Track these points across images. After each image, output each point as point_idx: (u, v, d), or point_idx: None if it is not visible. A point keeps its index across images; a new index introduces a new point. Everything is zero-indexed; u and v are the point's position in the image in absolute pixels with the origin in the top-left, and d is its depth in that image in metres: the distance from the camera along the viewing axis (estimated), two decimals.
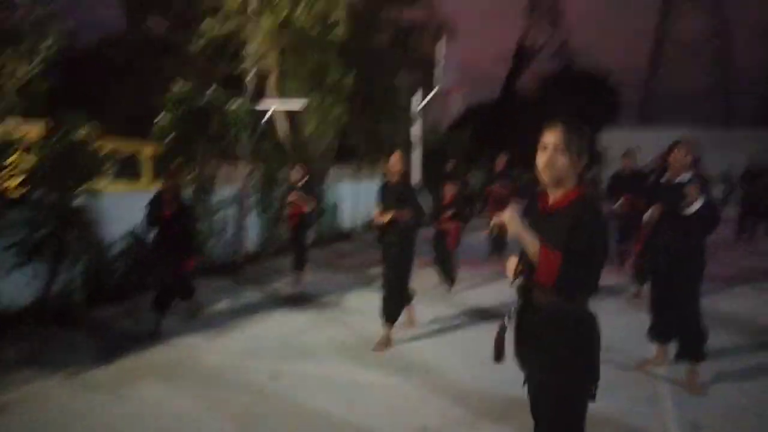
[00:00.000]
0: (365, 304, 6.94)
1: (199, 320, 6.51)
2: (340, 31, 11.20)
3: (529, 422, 2.51)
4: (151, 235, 6.40)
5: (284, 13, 10.81)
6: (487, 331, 5.75)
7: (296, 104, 10.28)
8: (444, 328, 6.26)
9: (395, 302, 5.62)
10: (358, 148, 14.98)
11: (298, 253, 8.37)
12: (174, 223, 6.02)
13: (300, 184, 8.35)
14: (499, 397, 4.34)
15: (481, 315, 6.69)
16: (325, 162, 12.88)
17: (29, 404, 4.26)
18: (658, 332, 5.01)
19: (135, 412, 4.13)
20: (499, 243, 9.81)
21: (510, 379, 2.86)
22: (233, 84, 10.63)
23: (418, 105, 15.59)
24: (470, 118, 20.98)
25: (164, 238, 6.08)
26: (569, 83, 43.58)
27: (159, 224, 6.08)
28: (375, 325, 5.73)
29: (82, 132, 6.36)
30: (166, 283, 6.11)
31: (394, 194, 5.57)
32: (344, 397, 4.41)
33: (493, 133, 26.29)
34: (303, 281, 8.31)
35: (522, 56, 68.08)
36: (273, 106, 10.17)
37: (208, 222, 9.10)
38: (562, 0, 44.87)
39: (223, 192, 9.53)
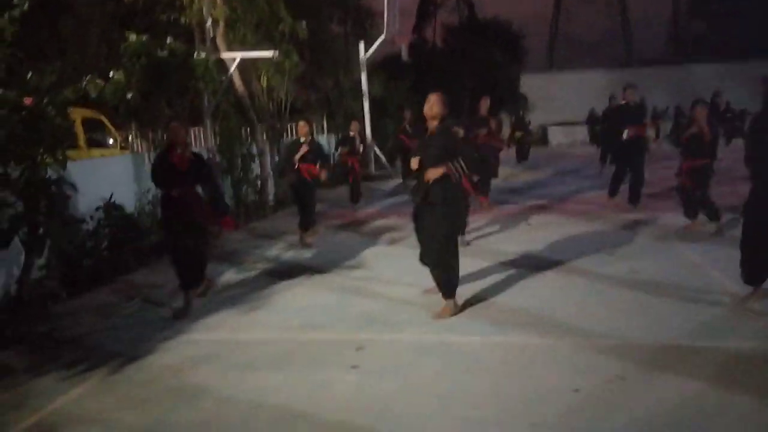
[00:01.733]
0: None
1: (215, 298, 5.74)
2: None
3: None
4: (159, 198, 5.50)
5: None
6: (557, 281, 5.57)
7: (266, 53, 9.28)
8: (510, 276, 5.87)
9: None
10: (310, 102, 14.11)
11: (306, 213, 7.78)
12: (193, 177, 5.16)
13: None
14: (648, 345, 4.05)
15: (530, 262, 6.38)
16: (282, 117, 11.99)
17: None
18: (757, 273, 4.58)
19: None
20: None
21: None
22: (176, 35, 9.49)
23: (364, 55, 14.90)
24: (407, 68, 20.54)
25: (182, 199, 5.17)
26: (474, 33, 43.97)
27: (173, 183, 5.14)
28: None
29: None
30: (193, 253, 5.24)
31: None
32: (462, 362, 3.96)
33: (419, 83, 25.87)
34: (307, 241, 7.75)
35: (425, 7, 67.86)
36: (238, 56, 9.13)
37: None
38: None
39: None
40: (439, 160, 4.61)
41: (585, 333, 4.29)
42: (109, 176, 7.38)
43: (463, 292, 5.10)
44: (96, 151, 10.52)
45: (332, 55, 14.94)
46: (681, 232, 7.26)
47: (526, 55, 46.30)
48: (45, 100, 4.90)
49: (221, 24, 9.80)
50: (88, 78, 6.07)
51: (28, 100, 4.79)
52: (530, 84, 32.88)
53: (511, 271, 5.94)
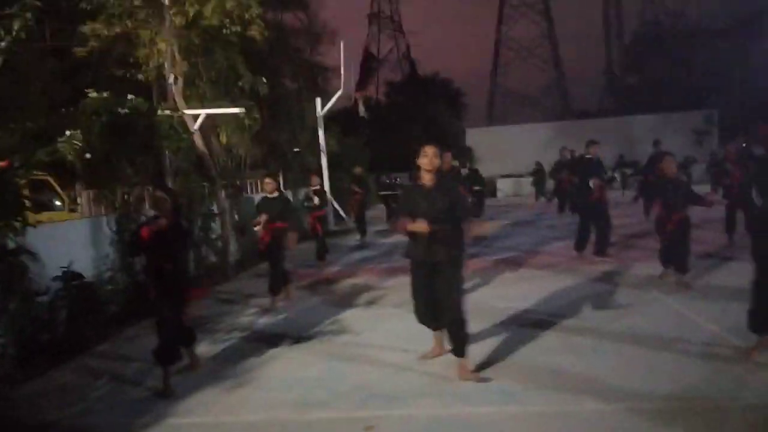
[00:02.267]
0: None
1: (192, 375, 5.25)
2: (255, 31, 10.06)
3: None
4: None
5: (193, 11, 9.47)
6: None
7: (233, 110, 8.98)
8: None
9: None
10: (268, 158, 13.83)
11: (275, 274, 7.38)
12: (175, 245, 4.76)
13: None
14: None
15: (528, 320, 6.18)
16: (241, 173, 11.64)
17: None
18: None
19: None
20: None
21: None
22: (130, 92, 9.12)
23: (321, 111, 14.82)
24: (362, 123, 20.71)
25: (157, 267, 4.75)
26: (417, 90, 45.20)
27: (155, 252, 4.73)
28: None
29: None
30: (171, 327, 4.79)
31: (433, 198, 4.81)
32: None
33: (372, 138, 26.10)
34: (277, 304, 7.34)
35: (369, 64, 69.46)
36: (202, 113, 8.79)
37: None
38: (401, 9, 46.26)
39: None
40: (445, 214, 4.41)
41: (604, 396, 4.08)
42: (64, 242, 6.82)
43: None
44: (43, 215, 9.86)
45: (288, 110, 14.80)
46: (658, 282, 7.27)
47: (465, 110, 48.05)
48: (15, 163, 4.45)
49: (180, 81, 9.49)
50: (65, 137, 5.61)
51: (3, 163, 4.35)
52: (474, 137, 33.76)
53: (509, 332, 5.71)
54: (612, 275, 8.01)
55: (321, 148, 14.69)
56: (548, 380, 4.44)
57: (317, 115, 14.49)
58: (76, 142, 6.60)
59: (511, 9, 50.56)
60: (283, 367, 5.24)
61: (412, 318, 6.37)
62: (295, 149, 14.93)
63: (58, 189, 10.47)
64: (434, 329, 4.97)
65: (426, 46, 61.42)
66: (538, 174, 21.77)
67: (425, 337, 5.54)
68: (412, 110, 39.18)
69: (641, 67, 38.52)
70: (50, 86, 11.37)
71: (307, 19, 17.72)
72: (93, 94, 6.92)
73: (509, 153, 30.40)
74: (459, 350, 4.54)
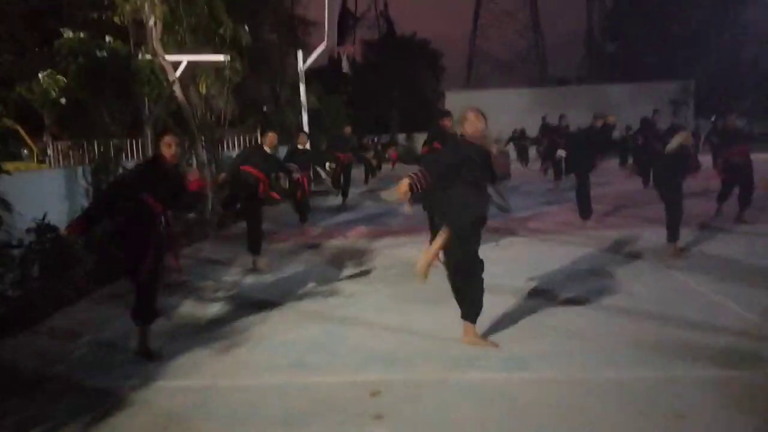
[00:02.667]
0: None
1: (180, 335, 4.98)
2: None
3: None
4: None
5: None
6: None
7: (216, 57, 8.49)
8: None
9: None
10: (246, 114, 13.31)
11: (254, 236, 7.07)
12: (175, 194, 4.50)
13: None
14: None
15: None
16: (220, 128, 11.18)
17: None
18: None
19: None
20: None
21: None
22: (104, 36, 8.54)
23: (302, 65, 14.28)
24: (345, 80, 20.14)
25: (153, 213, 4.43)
26: (394, 50, 44.34)
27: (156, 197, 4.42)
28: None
29: None
30: (152, 283, 4.44)
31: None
32: (500, 403, 3.49)
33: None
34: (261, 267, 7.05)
35: (345, 21, 67.90)
36: (184, 59, 8.29)
37: None
38: None
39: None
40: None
41: (618, 367, 3.95)
42: (37, 193, 6.42)
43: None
44: (10, 165, 9.30)
45: (268, 64, 14.22)
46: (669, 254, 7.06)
47: (443, 73, 47.40)
48: None
49: (159, 25, 8.92)
50: (47, 73, 5.15)
51: None
52: (454, 101, 33.34)
53: (514, 299, 5.46)
54: (619, 243, 7.83)
55: (302, 104, 14.20)
56: (560, 348, 4.28)
57: (299, 69, 13.96)
58: (60, 77, 6.14)
59: None
60: (276, 329, 5.00)
61: (403, 282, 6.28)
62: (275, 104, 14.43)
63: (26, 138, 9.88)
64: None
65: (404, 5, 60.05)
66: (521, 140, 21.47)
67: (421, 300, 5.39)
68: (391, 71, 38.46)
69: (620, 35, 38.34)
70: (16, 30, 10.71)
71: None
72: (69, 34, 6.39)
73: (489, 117, 30.08)
74: (467, 313, 4.34)
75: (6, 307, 5.43)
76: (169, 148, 4.42)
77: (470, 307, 4.30)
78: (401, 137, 32.56)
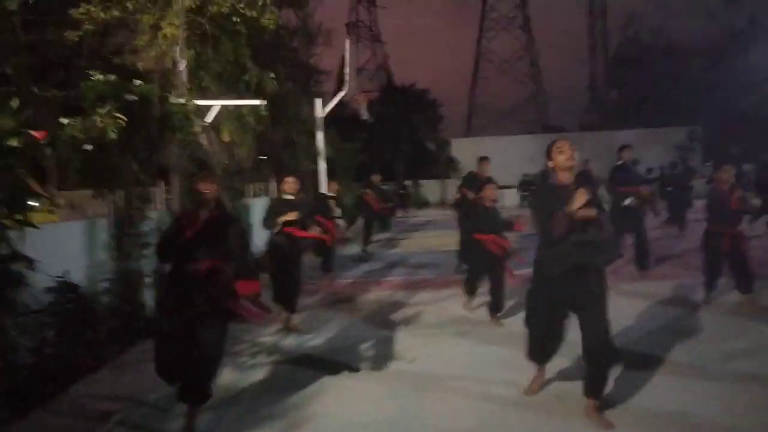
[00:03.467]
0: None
1: (228, 411, 4.29)
2: (268, 19, 9.13)
3: None
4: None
5: None
6: None
7: (254, 102, 8.04)
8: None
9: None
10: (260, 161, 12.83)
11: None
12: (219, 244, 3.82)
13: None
14: None
15: None
16: (242, 176, 10.69)
17: None
18: None
19: None
20: None
21: None
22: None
23: (321, 112, 13.93)
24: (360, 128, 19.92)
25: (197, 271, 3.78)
26: (393, 99, 44.62)
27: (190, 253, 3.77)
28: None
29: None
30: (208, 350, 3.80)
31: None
32: None
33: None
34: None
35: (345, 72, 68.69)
36: (217, 104, 7.83)
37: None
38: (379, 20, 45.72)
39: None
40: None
41: None
42: (57, 247, 5.79)
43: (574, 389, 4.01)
44: (36, 216, 8.68)
45: (287, 111, 13.86)
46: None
47: (442, 121, 47.65)
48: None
49: (185, 71, 8.51)
50: (105, 110, 4.64)
51: (40, 134, 3.46)
52: (460, 148, 33.25)
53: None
54: (683, 295, 7.22)
55: (319, 151, 13.79)
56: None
57: (316, 116, 13.60)
58: (119, 117, 5.62)
59: (491, 22, 50.56)
60: (338, 405, 4.31)
61: (466, 341, 5.64)
62: (291, 152, 13.99)
63: (37, 186, 9.28)
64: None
65: (404, 57, 61.13)
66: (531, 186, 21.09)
67: (498, 363, 4.74)
68: (394, 120, 38.52)
69: (623, 84, 38.65)
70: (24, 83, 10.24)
71: (303, 17, 16.83)
72: (98, 77, 5.91)
73: (494, 164, 29.89)
74: (597, 388, 3.71)
75: (18, 379, 4.72)
76: (205, 189, 3.84)
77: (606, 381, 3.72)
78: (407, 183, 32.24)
